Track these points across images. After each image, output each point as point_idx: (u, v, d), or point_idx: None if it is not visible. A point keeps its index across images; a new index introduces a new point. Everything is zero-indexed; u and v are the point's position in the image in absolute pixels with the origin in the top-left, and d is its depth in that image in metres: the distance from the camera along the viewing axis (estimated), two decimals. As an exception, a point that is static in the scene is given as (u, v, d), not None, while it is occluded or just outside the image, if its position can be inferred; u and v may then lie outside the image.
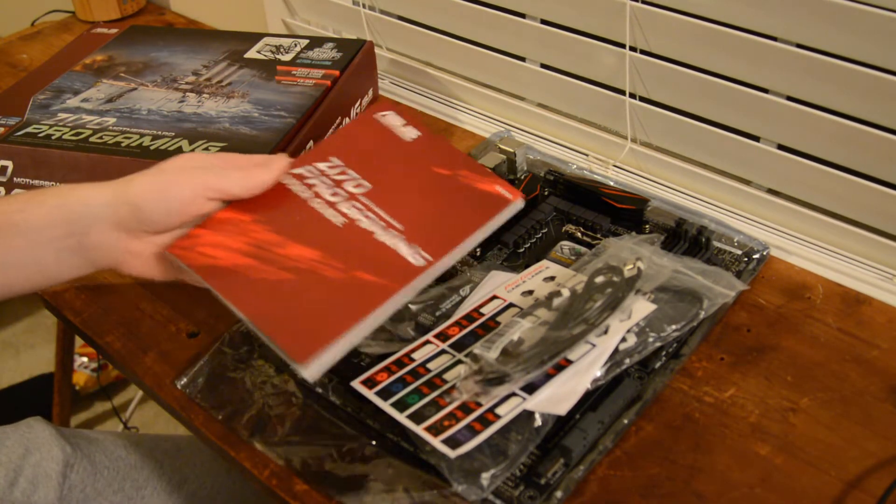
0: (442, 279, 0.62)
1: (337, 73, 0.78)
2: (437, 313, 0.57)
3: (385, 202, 0.50)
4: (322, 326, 0.45)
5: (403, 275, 0.48)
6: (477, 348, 0.52)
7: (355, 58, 0.80)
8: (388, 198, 0.51)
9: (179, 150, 0.67)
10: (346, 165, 0.52)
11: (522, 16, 0.79)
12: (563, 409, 0.49)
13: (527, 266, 0.61)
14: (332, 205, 0.50)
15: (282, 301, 0.47)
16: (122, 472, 0.66)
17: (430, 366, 0.52)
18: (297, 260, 0.48)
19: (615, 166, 0.76)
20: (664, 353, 0.55)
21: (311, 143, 0.71)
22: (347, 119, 0.79)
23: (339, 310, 0.46)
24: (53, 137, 0.69)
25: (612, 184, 0.70)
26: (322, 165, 0.52)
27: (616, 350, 0.52)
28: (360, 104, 0.82)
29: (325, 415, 0.53)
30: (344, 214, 0.50)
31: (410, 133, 0.53)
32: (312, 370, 0.44)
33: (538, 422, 0.49)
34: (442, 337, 0.54)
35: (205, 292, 0.66)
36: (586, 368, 0.51)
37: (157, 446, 0.70)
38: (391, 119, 0.53)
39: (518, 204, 0.51)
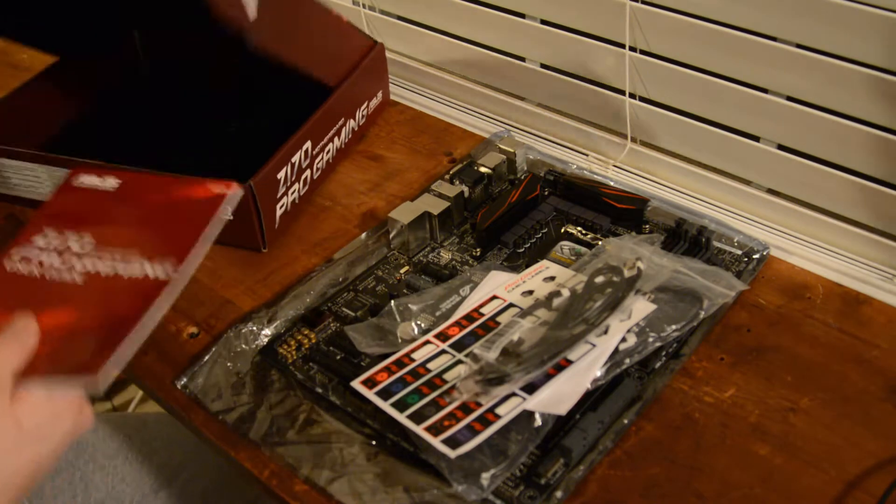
0: (442, 279, 0.62)
1: None
2: (437, 313, 0.57)
3: (111, 243, 0.49)
4: (99, 343, 0.44)
5: (156, 287, 0.47)
6: (477, 348, 0.52)
7: (362, 60, 0.80)
8: (112, 238, 0.50)
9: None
10: (62, 230, 0.50)
11: (522, 16, 0.79)
12: (563, 409, 0.49)
13: (527, 266, 0.61)
14: (67, 269, 0.48)
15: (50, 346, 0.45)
16: (93, 443, 0.67)
17: (430, 366, 0.52)
18: (52, 329, 0.45)
19: (615, 166, 0.76)
20: (664, 353, 0.55)
21: (309, 143, 0.71)
22: (353, 120, 0.78)
23: (110, 330, 0.45)
24: None
25: (612, 184, 0.70)
26: (40, 240, 0.50)
27: (616, 350, 0.52)
28: (368, 106, 0.82)
29: (325, 415, 0.53)
30: (81, 272, 0.48)
31: (111, 182, 0.52)
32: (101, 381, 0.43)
33: (538, 422, 0.49)
34: (442, 337, 0.54)
35: (206, 291, 0.65)
36: (586, 368, 0.51)
37: (125, 423, 0.71)
38: (86, 179, 0.53)
39: (235, 193, 0.50)
